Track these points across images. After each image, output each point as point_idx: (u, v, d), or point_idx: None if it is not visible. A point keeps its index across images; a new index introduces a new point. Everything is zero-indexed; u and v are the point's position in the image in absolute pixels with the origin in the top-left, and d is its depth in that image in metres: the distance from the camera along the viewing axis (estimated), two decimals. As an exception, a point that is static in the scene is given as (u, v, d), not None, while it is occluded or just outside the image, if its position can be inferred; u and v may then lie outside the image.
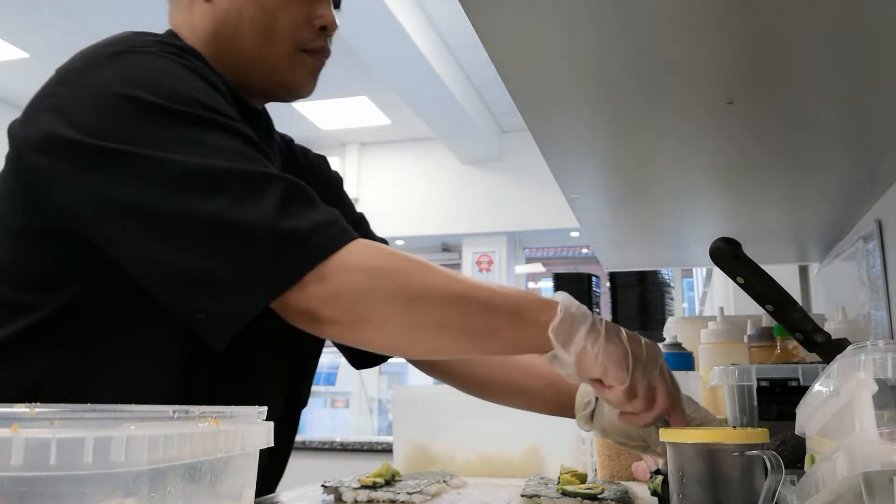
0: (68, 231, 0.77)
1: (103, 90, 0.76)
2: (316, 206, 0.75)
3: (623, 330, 0.80)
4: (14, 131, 0.81)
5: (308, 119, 5.44)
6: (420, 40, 3.93)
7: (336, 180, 1.17)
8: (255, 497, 1.00)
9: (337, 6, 0.98)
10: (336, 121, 5.54)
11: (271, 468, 1.04)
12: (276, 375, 0.97)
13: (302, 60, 0.94)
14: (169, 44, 0.84)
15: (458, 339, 0.77)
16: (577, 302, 0.79)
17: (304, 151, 1.14)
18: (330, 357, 4.71)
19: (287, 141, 1.11)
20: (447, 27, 4.18)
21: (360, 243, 0.75)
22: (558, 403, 1.04)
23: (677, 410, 0.81)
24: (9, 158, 0.81)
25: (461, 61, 4.59)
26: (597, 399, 0.99)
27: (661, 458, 0.96)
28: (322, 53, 0.96)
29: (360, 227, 1.13)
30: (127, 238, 0.74)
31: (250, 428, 0.40)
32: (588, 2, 0.59)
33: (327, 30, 0.95)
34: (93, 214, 0.75)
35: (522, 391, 1.08)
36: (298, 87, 0.97)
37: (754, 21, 0.61)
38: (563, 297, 0.79)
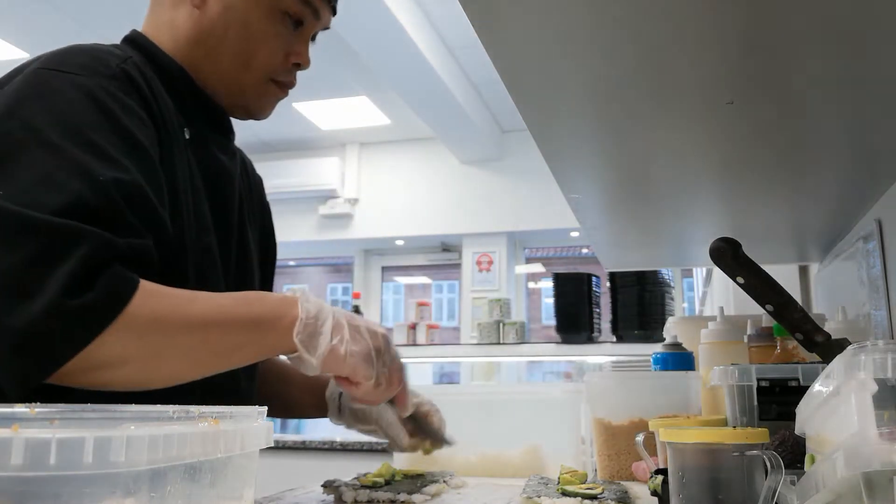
0: None
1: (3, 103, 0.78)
2: (106, 268, 0.71)
3: (359, 320, 0.85)
4: None
5: (308, 119, 5.44)
6: (420, 40, 3.93)
7: (266, 207, 1.19)
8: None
9: (313, 41, 1.02)
10: (336, 121, 5.54)
11: None
12: (251, 377, 1.01)
13: (269, 90, 0.99)
14: (92, 70, 0.82)
15: (202, 363, 0.79)
16: (312, 297, 0.83)
17: (251, 163, 1.17)
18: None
19: (240, 151, 1.13)
20: (447, 27, 4.18)
21: (132, 312, 0.72)
22: (316, 405, 1.12)
23: (404, 390, 0.92)
24: None
25: (461, 61, 4.59)
26: (340, 394, 1.09)
27: (403, 448, 1.08)
28: (288, 87, 1.01)
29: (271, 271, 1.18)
30: None
31: (250, 428, 0.40)
32: (588, 2, 0.59)
33: (300, 66, 0.99)
34: None
35: (285, 401, 1.15)
36: (258, 112, 1.01)
37: (754, 21, 0.61)
38: (302, 296, 0.82)
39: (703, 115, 0.83)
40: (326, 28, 1.03)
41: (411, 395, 1.02)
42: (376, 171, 5.98)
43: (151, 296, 0.75)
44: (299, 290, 0.94)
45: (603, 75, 0.73)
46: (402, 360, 0.91)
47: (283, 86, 1.00)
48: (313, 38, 1.02)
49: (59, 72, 0.80)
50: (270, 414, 1.17)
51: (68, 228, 0.70)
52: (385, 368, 0.86)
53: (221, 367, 0.81)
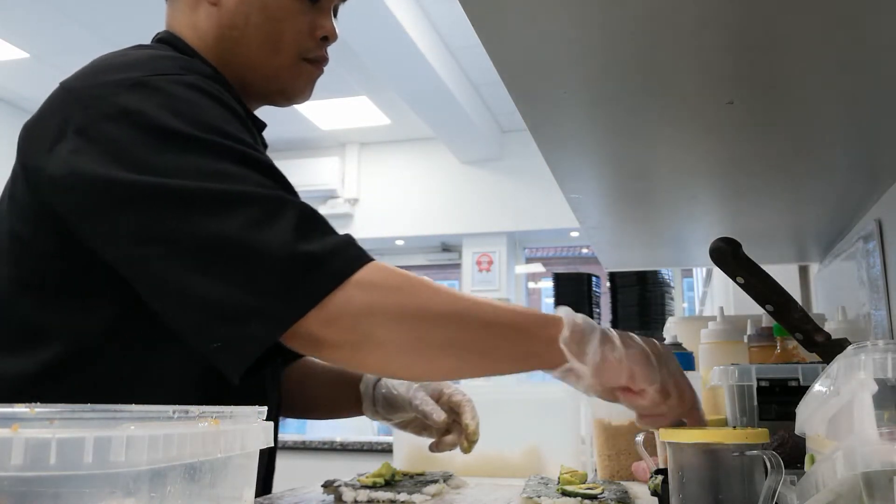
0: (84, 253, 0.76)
1: (126, 121, 0.75)
2: (329, 231, 0.74)
3: (632, 334, 0.78)
4: (24, 149, 0.80)
5: (308, 119, 5.44)
6: (420, 40, 3.93)
7: None
8: (255, 497, 1.01)
9: (335, 15, 1.00)
10: (336, 121, 5.54)
11: (269, 467, 1.05)
12: (275, 377, 0.98)
13: (303, 69, 0.96)
14: (188, 68, 0.83)
15: (463, 358, 0.75)
16: (580, 315, 0.78)
17: None
18: (330, 357, 4.68)
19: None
20: (447, 27, 4.18)
21: (373, 266, 0.73)
22: (350, 401, 1.09)
23: (696, 407, 0.80)
24: (16, 178, 0.81)
25: (461, 61, 4.59)
26: (375, 384, 1.06)
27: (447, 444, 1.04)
28: (321, 63, 0.98)
29: None
30: (146, 266, 0.73)
31: (250, 428, 0.40)
32: (588, 2, 0.59)
33: (328, 40, 0.97)
34: (115, 244, 0.74)
35: (324, 402, 1.14)
36: (297, 94, 0.99)
37: (754, 21, 0.61)
38: (565, 312, 0.77)
39: (703, 115, 0.83)
40: (344, 0, 1.01)
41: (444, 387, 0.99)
42: (376, 171, 5.98)
43: (398, 271, 0.73)
44: (562, 310, 0.87)
45: (603, 75, 0.73)
46: (688, 381, 0.80)
47: (316, 62, 0.98)
48: (335, 13, 1.00)
49: (161, 76, 0.79)
50: (294, 416, 1.17)
51: (274, 196, 0.72)
52: (671, 376, 0.77)
53: (481, 369, 0.77)
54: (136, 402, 0.78)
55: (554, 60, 0.70)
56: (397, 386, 1.05)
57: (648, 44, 0.66)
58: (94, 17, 3.96)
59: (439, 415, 1.02)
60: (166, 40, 0.94)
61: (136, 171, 0.72)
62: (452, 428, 1.05)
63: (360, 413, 1.10)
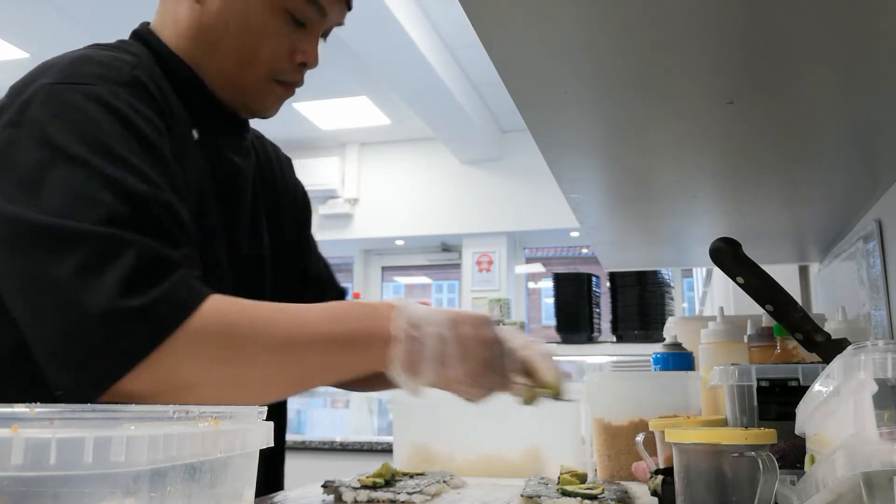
0: None
1: (18, 127, 0.75)
2: (162, 274, 0.69)
3: (466, 327, 0.77)
4: None
5: (308, 119, 5.44)
6: (420, 40, 3.93)
7: (303, 190, 1.17)
8: (262, 495, 1.01)
9: (324, 38, 0.98)
10: (336, 121, 5.54)
11: (274, 466, 1.05)
12: None
13: (272, 89, 0.94)
14: (103, 76, 0.80)
15: (287, 387, 0.76)
16: (410, 308, 0.76)
17: (276, 149, 1.14)
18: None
19: (259, 137, 1.11)
20: (447, 27, 4.18)
21: (201, 313, 0.70)
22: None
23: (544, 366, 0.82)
24: None
25: (461, 61, 4.59)
26: None
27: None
28: (294, 86, 0.96)
29: (308, 249, 1.15)
30: (8, 298, 0.72)
31: (250, 428, 0.40)
32: (588, 2, 0.59)
33: (306, 65, 0.94)
34: None
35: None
36: (262, 111, 0.97)
37: (754, 21, 0.61)
38: (398, 309, 0.75)
39: (703, 115, 0.83)
40: (340, 24, 0.98)
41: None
42: (376, 171, 5.98)
43: (225, 310, 0.71)
44: (396, 299, 0.82)
45: (603, 75, 0.73)
46: (516, 355, 0.82)
47: (287, 86, 0.95)
48: (325, 35, 0.97)
49: (72, 84, 0.78)
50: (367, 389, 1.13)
51: (115, 236, 0.68)
52: (500, 376, 0.79)
53: (306, 389, 0.78)
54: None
55: (554, 61, 0.70)
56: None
57: (648, 44, 0.66)
58: (95, 17, 3.96)
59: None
60: (138, 34, 0.93)
61: (5, 194, 0.71)
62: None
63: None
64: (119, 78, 0.81)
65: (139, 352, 0.66)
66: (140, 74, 0.83)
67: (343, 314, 0.77)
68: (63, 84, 0.77)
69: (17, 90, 0.79)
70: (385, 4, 3.46)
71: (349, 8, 0.98)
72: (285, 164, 1.15)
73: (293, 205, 1.13)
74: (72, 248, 0.68)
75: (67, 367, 0.67)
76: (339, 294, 1.17)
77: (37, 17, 3.98)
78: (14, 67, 4.62)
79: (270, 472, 1.05)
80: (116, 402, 0.68)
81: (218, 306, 0.71)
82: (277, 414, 1.04)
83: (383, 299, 0.79)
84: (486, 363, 0.77)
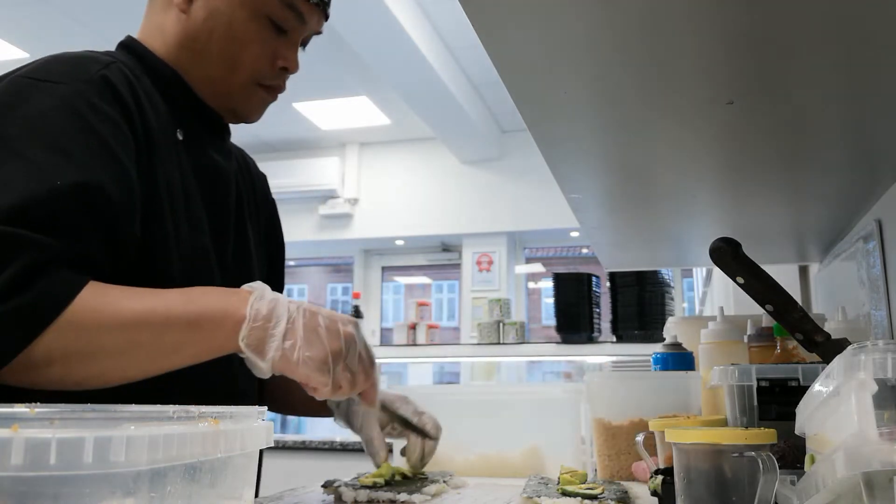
0: None
1: None
2: (46, 274, 0.72)
3: (320, 318, 0.79)
4: None
5: (308, 119, 5.44)
6: (420, 40, 3.93)
7: (273, 204, 1.21)
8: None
9: (303, 46, 1.02)
10: (336, 121, 5.54)
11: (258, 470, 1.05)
12: (249, 373, 0.99)
13: (256, 93, 0.98)
14: (73, 76, 0.83)
15: (136, 363, 0.77)
16: (269, 294, 0.79)
17: (254, 162, 1.18)
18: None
19: (239, 149, 1.14)
20: (447, 27, 4.18)
21: (69, 316, 0.72)
22: (322, 406, 1.08)
23: (373, 386, 0.86)
24: None
25: (461, 61, 4.59)
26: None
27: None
28: (276, 90, 1.00)
29: (280, 270, 1.19)
30: None
31: (250, 428, 0.40)
32: (588, 2, 0.59)
33: (287, 71, 0.99)
34: None
35: (290, 400, 1.13)
36: (247, 116, 1.01)
37: (754, 21, 0.61)
38: (255, 293, 0.78)
39: (703, 115, 0.83)
40: (318, 33, 1.02)
41: (402, 400, 1.02)
42: (376, 171, 5.98)
43: (94, 295, 0.74)
44: (255, 286, 0.86)
45: (603, 75, 0.73)
46: (372, 355, 0.86)
47: (270, 90, 0.99)
48: (304, 43, 1.02)
49: (36, 80, 0.82)
50: (278, 410, 1.17)
51: (9, 236, 0.71)
52: (346, 372, 0.81)
53: (162, 368, 0.79)
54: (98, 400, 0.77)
55: (554, 60, 0.70)
56: (354, 414, 1.05)
57: (648, 44, 0.66)
58: (95, 17, 3.96)
59: (381, 456, 1.03)
60: (124, 44, 0.97)
61: None
62: (406, 436, 1.08)
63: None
64: (84, 76, 0.84)
65: (16, 346, 0.70)
66: (109, 75, 0.86)
67: (200, 295, 0.79)
68: (28, 78, 0.82)
69: None
70: (385, 4, 3.46)
71: (326, 18, 1.03)
72: (264, 180, 1.19)
73: (266, 219, 1.16)
74: None
75: None
76: None
77: (37, 17, 3.98)
78: (14, 67, 4.61)
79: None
80: None
81: (91, 292, 0.74)
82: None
83: (241, 288, 0.81)
84: (333, 353, 0.79)
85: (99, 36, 4.04)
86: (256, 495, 1.06)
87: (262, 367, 0.77)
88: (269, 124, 5.36)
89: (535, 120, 0.85)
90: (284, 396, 1.14)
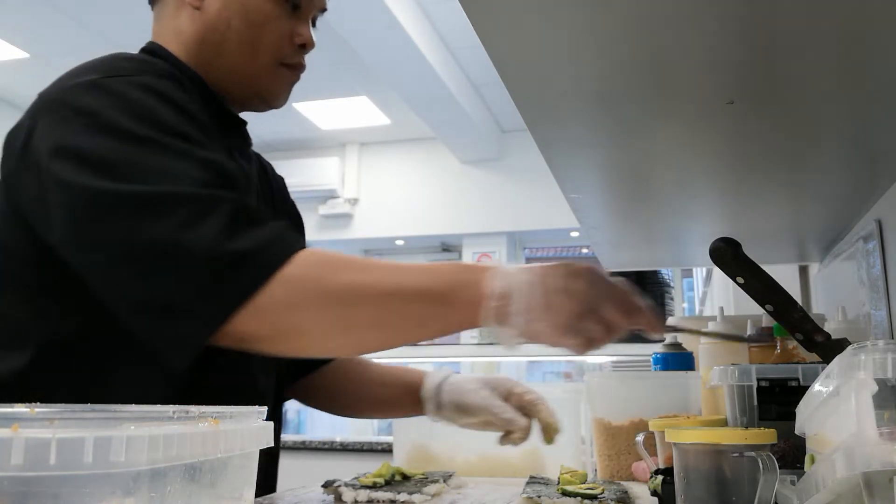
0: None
1: (79, 122, 0.78)
2: (259, 225, 0.76)
3: (561, 275, 0.77)
4: (5, 160, 0.83)
5: (308, 119, 5.44)
6: (420, 40, 3.93)
7: (294, 207, 1.21)
8: (256, 496, 1.01)
9: (314, 25, 1.03)
10: (336, 121, 5.54)
11: (270, 468, 1.05)
12: (268, 373, 0.99)
13: (281, 73, 0.99)
14: (143, 69, 0.86)
15: (388, 333, 0.78)
16: (505, 269, 0.78)
17: (271, 167, 1.19)
18: (330, 357, 4.71)
19: (257, 155, 1.15)
20: (447, 27, 4.18)
21: (301, 257, 0.75)
22: (413, 404, 1.10)
23: (642, 319, 0.81)
24: (1, 184, 0.84)
25: (461, 61, 4.59)
26: (439, 386, 1.07)
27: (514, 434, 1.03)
28: (298, 69, 1.01)
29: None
30: (91, 267, 0.76)
31: (250, 428, 0.40)
32: (588, 2, 0.59)
33: (305, 48, 1.00)
34: (64, 245, 0.77)
35: (385, 402, 1.14)
36: (274, 98, 1.01)
37: (755, 21, 0.61)
38: (489, 273, 0.77)
39: (703, 115, 0.83)
40: (324, 10, 1.04)
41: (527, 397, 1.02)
42: (376, 171, 5.98)
43: (323, 257, 0.76)
44: (494, 261, 0.86)
45: (603, 75, 0.73)
46: (624, 295, 0.80)
47: (292, 68, 1.00)
48: (314, 23, 1.03)
49: (115, 77, 0.82)
50: (343, 414, 1.19)
51: (209, 195, 0.74)
52: (597, 325, 0.77)
53: (405, 342, 0.81)
54: (114, 398, 0.80)
55: (554, 60, 0.70)
56: (468, 393, 1.05)
57: (648, 44, 0.66)
58: (94, 17, 3.96)
59: (522, 421, 1.02)
60: (148, 51, 0.98)
61: (81, 174, 0.75)
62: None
63: (419, 413, 1.11)
64: (158, 71, 0.87)
65: (245, 291, 0.71)
66: (174, 71, 0.90)
67: (437, 268, 0.80)
68: (108, 77, 0.82)
69: (49, 95, 0.83)
70: (385, 4, 3.46)
71: None
72: (282, 184, 1.19)
73: (287, 218, 1.16)
74: (168, 210, 0.73)
75: (174, 316, 0.72)
76: None
77: (37, 17, 3.98)
78: (14, 67, 4.61)
79: (268, 474, 1.06)
80: (230, 345, 0.74)
81: (315, 254, 0.76)
82: (274, 416, 1.05)
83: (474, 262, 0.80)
84: (574, 315, 0.76)
85: (99, 36, 4.04)
86: (274, 490, 1.07)
87: (508, 342, 0.77)
88: (269, 124, 5.36)
89: (535, 120, 0.85)
90: (350, 396, 1.15)
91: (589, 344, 0.78)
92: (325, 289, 0.74)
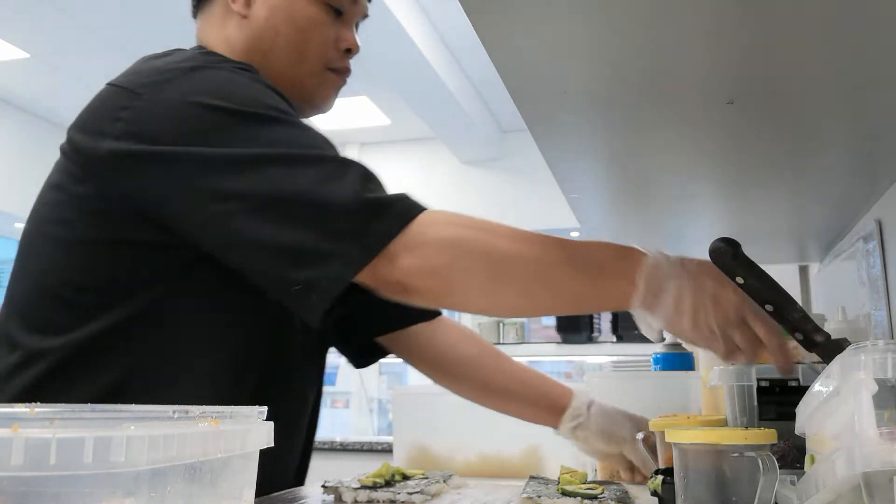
0: (141, 241, 0.81)
1: (182, 101, 0.81)
2: (385, 187, 0.82)
3: (715, 279, 0.77)
4: (78, 143, 0.83)
5: (308, 119, 5.43)
6: (420, 40, 3.92)
7: None
8: (289, 489, 1.02)
9: (356, 29, 1.06)
10: (336, 121, 5.53)
11: (303, 461, 1.08)
12: (310, 372, 1.01)
13: (328, 78, 1.02)
14: (229, 60, 0.90)
15: (541, 300, 0.80)
16: (665, 260, 0.79)
17: None
18: (330, 357, 4.70)
19: None
20: (447, 27, 4.18)
21: (437, 213, 0.80)
22: (547, 413, 1.13)
23: (780, 351, 0.79)
24: (66, 170, 0.85)
25: (461, 61, 4.59)
26: (588, 410, 1.10)
27: (637, 475, 1.10)
28: (345, 73, 1.04)
29: None
30: (219, 225, 0.78)
31: (250, 428, 0.40)
32: (588, 2, 0.59)
33: (351, 52, 1.03)
34: (182, 211, 0.79)
35: (518, 400, 1.16)
36: (322, 102, 1.04)
37: (754, 21, 0.61)
38: (644, 263, 0.78)
39: (703, 115, 0.83)
40: (365, 16, 1.06)
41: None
42: (376, 171, 5.98)
43: (501, 234, 0.79)
44: (653, 251, 0.86)
45: (603, 75, 0.73)
46: (769, 322, 0.79)
47: (339, 72, 1.02)
48: (356, 27, 1.06)
49: (205, 67, 0.85)
50: (455, 390, 1.20)
51: (343, 159, 0.80)
52: (745, 336, 0.77)
53: (555, 310, 0.88)
54: (173, 389, 0.81)
55: (554, 61, 0.70)
56: (618, 425, 1.10)
57: (648, 44, 0.66)
58: (94, 18, 3.95)
59: (651, 466, 1.05)
60: (204, 52, 0.98)
61: (195, 144, 0.78)
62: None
63: (546, 424, 1.14)
64: (236, 64, 0.90)
65: (393, 228, 0.76)
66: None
67: (594, 247, 0.81)
68: (204, 66, 0.85)
69: (132, 87, 0.83)
70: (385, 4, 3.46)
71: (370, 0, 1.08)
72: None
73: None
74: (309, 166, 0.78)
75: (319, 258, 0.75)
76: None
77: (37, 17, 3.98)
78: (14, 67, 4.61)
79: (301, 467, 1.10)
80: (387, 289, 0.78)
81: (445, 213, 0.81)
82: (313, 413, 1.09)
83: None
84: (721, 322, 0.77)
85: (99, 36, 4.04)
86: (303, 483, 1.10)
87: (651, 331, 0.79)
88: (269, 124, 5.35)
89: (535, 120, 0.85)
90: (459, 377, 1.18)
91: (733, 353, 0.78)
92: (483, 252, 0.77)
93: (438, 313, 1.17)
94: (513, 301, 0.81)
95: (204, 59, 0.87)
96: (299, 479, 1.09)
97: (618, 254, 0.80)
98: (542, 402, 1.13)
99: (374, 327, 1.14)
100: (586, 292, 0.80)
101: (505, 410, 1.17)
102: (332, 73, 1.01)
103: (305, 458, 1.10)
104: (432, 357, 1.17)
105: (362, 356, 1.17)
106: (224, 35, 0.98)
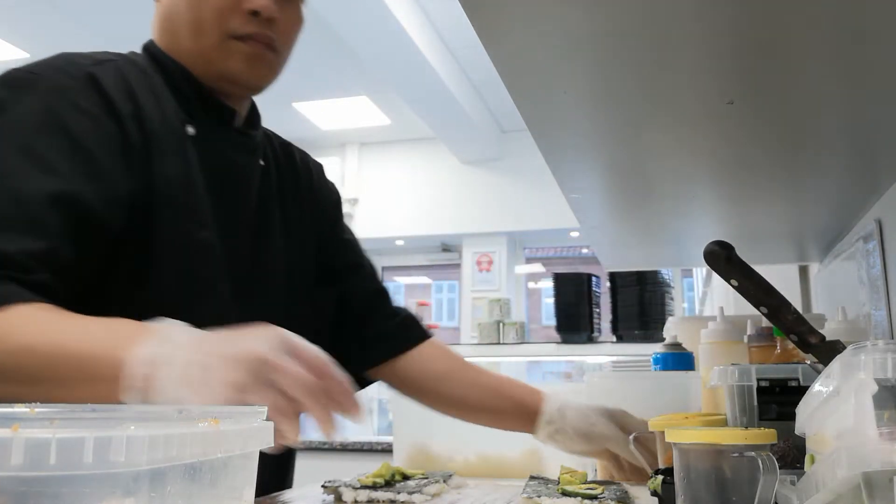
0: None
1: None
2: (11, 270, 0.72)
3: (216, 343, 0.66)
4: None
5: (308, 119, 5.44)
6: (420, 40, 3.93)
7: (334, 192, 1.21)
8: (272, 492, 1.02)
9: None
10: (336, 121, 5.54)
11: (287, 462, 1.07)
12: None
13: (233, 47, 0.93)
14: (62, 67, 0.86)
15: (41, 393, 0.70)
16: (165, 335, 0.67)
17: (304, 156, 1.17)
18: (330, 357, 4.73)
19: (284, 145, 1.14)
20: (447, 27, 4.18)
21: (21, 314, 0.70)
22: (523, 421, 1.14)
23: (340, 402, 0.72)
24: None
25: (461, 61, 4.59)
26: (561, 413, 1.11)
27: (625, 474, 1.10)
28: (256, 39, 0.94)
29: (349, 247, 1.21)
30: None
31: (250, 428, 0.40)
32: (588, 2, 0.59)
33: (259, 14, 0.92)
34: None
35: (492, 411, 1.17)
36: (236, 76, 0.95)
37: (754, 21, 0.61)
38: (150, 339, 0.66)
39: (703, 115, 0.83)
40: None
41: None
42: (376, 171, 5.98)
43: (26, 317, 0.71)
44: (166, 325, 0.70)
45: (603, 75, 0.73)
46: (319, 364, 0.69)
47: (245, 39, 0.93)
48: None
49: (29, 73, 0.85)
50: (440, 410, 1.20)
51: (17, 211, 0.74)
52: (278, 397, 0.64)
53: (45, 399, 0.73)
54: None
55: (554, 61, 0.70)
56: (596, 424, 1.10)
57: (648, 44, 0.66)
58: (94, 17, 3.96)
59: (641, 458, 1.06)
60: (145, 47, 0.99)
61: None
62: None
63: (525, 431, 1.14)
64: (70, 73, 0.86)
65: None
66: (96, 72, 0.87)
67: (93, 334, 0.71)
68: (11, 77, 0.86)
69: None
70: (385, 4, 3.46)
71: None
72: (314, 172, 1.17)
73: (318, 212, 1.15)
74: None
75: None
76: (380, 295, 1.26)
77: (37, 17, 3.98)
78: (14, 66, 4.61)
79: (282, 470, 1.08)
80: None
81: (28, 308, 0.71)
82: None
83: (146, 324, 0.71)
84: (235, 387, 0.63)
85: (99, 36, 4.04)
86: (291, 486, 1.09)
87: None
88: (269, 124, 5.35)
89: (535, 120, 0.85)
90: (452, 397, 1.17)
91: (281, 413, 0.64)
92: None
93: (426, 338, 1.18)
94: (14, 391, 0.71)
95: (28, 68, 0.87)
96: (282, 478, 1.08)
97: (110, 342, 0.69)
98: (519, 411, 1.14)
99: (365, 363, 1.15)
100: (75, 391, 0.70)
101: (483, 423, 1.18)
102: (238, 42, 0.92)
103: (289, 457, 1.09)
104: (404, 378, 1.17)
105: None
106: (154, 20, 0.98)
